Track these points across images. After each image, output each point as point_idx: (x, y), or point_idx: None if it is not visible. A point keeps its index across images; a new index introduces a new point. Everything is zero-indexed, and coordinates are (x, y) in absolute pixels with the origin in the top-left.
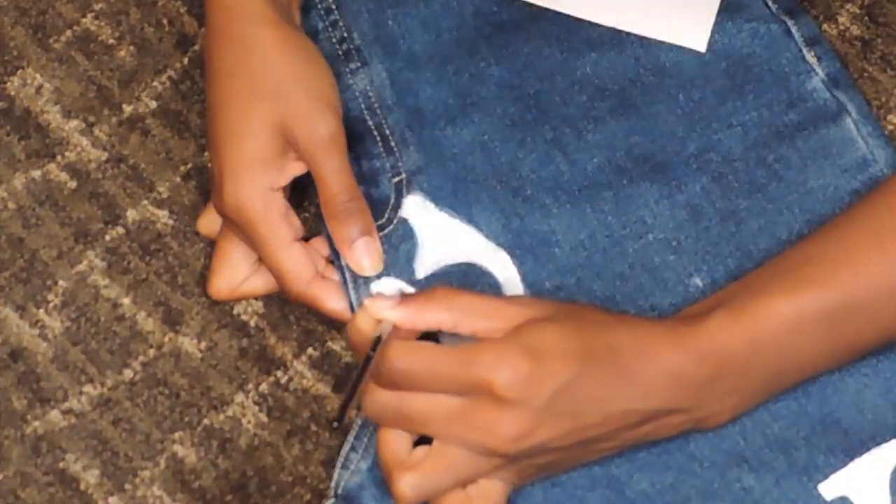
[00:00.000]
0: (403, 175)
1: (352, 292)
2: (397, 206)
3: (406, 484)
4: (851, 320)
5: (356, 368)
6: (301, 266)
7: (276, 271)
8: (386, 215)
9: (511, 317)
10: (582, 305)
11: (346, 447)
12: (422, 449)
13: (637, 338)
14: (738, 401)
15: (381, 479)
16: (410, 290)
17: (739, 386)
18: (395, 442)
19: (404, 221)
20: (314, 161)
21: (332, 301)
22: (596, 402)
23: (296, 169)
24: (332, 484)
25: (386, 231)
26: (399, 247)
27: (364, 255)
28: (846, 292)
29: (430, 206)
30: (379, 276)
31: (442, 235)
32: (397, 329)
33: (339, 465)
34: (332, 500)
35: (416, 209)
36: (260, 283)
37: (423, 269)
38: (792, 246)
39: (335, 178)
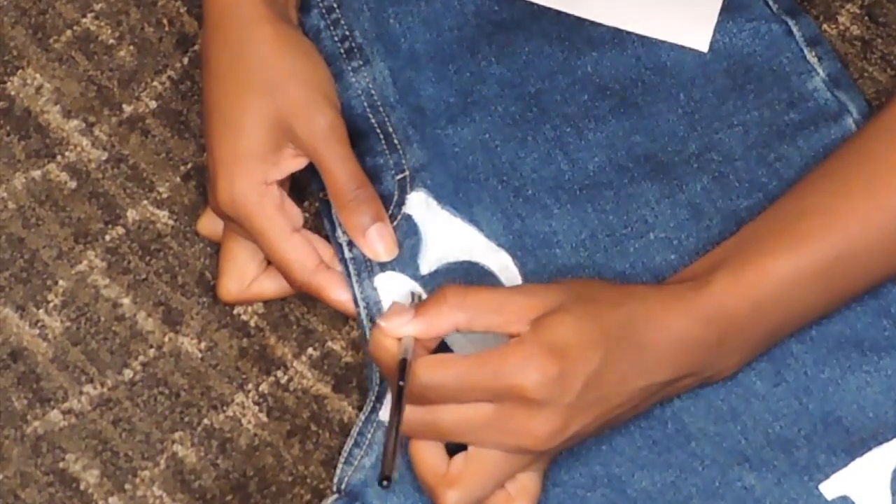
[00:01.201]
0: (407, 172)
1: (355, 286)
2: (401, 202)
3: (452, 499)
4: (848, 268)
5: (393, 413)
6: (303, 255)
7: (279, 262)
8: (390, 211)
9: (522, 309)
10: (588, 283)
11: (350, 443)
12: (459, 458)
13: (646, 310)
14: (741, 357)
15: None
16: (411, 283)
17: (743, 344)
18: (431, 456)
19: (408, 217)
20: (316, 153)
21: (337, 291)
22: (619, 384)
23: (292, 165)
24: (335, 480)
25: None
26: (403, 242)
27: (377, 240)
28: (842, 243)
29: (433, 203)
30: (383, 269)
31: (444, 233)
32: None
33: (341, 460)
34: (335, 496)
35: (420, 206)
36: (270, 285)
37: (426, 265)
38: (784, 197)
39: (339, 168)
